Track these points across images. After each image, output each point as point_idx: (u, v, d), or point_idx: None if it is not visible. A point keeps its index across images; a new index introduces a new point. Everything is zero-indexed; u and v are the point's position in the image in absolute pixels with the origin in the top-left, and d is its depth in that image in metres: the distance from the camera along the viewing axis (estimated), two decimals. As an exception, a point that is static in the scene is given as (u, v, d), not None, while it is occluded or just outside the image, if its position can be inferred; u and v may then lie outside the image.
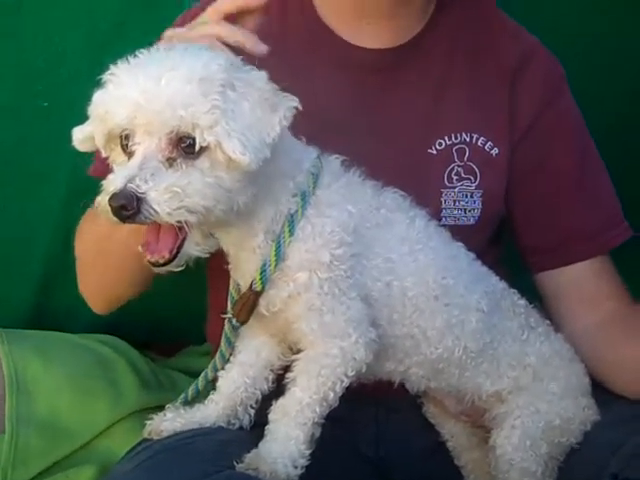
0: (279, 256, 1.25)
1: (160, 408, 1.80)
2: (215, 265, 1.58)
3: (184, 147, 1.14)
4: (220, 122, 1.13)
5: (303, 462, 1.24)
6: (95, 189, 1.81)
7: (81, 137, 1.24)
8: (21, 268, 2.00)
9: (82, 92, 1.79)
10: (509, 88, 1.53)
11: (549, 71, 1.56)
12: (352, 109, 1.47)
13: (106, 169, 1.52)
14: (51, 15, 1.84)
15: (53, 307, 2.05)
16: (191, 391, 1.46)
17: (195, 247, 1.19)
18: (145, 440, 1.39)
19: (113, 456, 1.72)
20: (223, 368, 1.41)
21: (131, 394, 1.83)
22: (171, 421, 1.37)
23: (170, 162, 1.14)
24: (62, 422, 1.73)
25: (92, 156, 1.84)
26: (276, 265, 1.25)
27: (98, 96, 1.20)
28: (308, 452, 1.25)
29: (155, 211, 1.12)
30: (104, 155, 1.24)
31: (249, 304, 1.29)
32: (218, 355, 1.43)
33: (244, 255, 1.28)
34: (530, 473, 1.33)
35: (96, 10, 1.85)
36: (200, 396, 1.45)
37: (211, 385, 1.44)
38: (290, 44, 1.49)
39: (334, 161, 1.31)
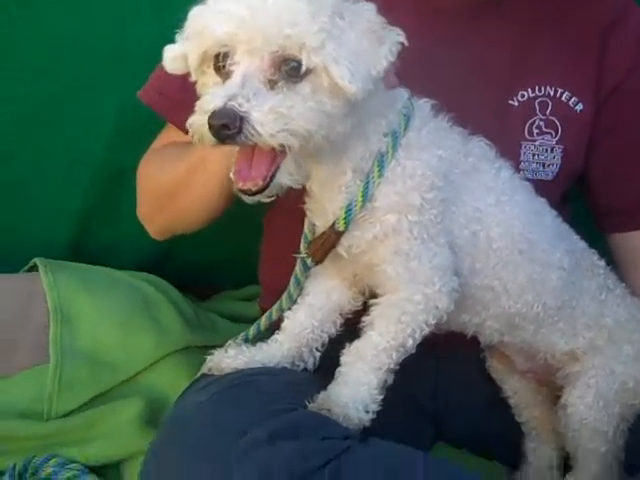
0: (366, 196, 1.20)
1: (204, 348, 1.83)
2: (276, 207, 1.56)
3: (287, 69, 1.09)
4: (328, 45, 1.08)
5: (375, 407, 1.22)
6: (141, 129, 1.82)
7: (172, 55, 1.18)
8: (63, 204, 1.96)
9: (137, 30, 1.81)
10: (599, 45, 1.48)
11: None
12: (433, 56, 1.42)
13: (157, 97, 1.50)
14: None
15: (93, 244, 2.02)
16: (252, 330, 1.43)
17: (288, 176, 1.13)
18: (205, 375, 1.36)
19: (158, 392, 1.71)
20: (289, 309, 1.38)
21: (175, 332, 1.80)
22: (233, 358, 1.34)
23: (271, 84, 1.09)
24: (106, 355, 1.71)
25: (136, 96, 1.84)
26: (362, 205, 1.21)
27: (196, 11, 1.14)
28: (380, 397, 1.23)
29: (257, 132, 1.06)
30: (194, 78, 1.18)
31: (328, 244, 1.25)
32: (285, 296, 1.39)
33: (328, 194, 1.24)
34: (601, 433, 1.32)
35: None
36: (260, 336, 1.43)
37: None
38: None
39: (424, 105, 1.27)
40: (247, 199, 1.14)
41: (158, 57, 1.72)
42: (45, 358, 1.67)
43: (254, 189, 1.12)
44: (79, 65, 1.83)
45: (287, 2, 1.08)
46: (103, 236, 2.02)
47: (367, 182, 1.20)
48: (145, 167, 1.56)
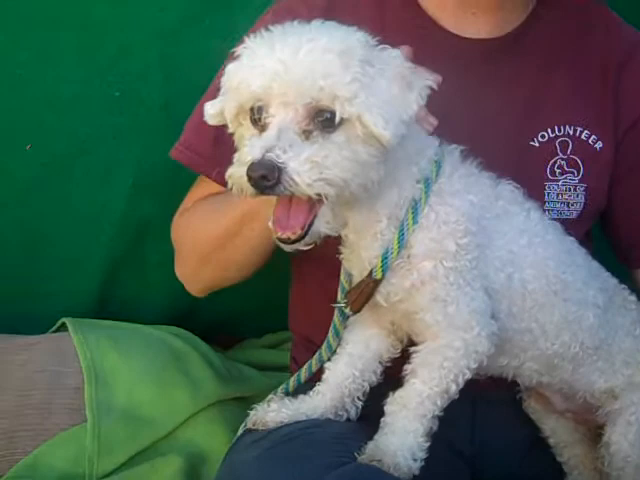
0: (402, 243, 1.23)
1: (236, 399, 1.85)
2: (306, 256, 1.58)
3: (321, 120, 1.12)
4: (360, 95, 1.11)
5: (422, 455, 1.23)
6: (162, 181, 1.85)
7: (212, 112, 1.22)
8: (87, 260, 1.98)
9: (152, 83, 1.85)
10: (614, 82, 1.51)
11: None
12: (455, 100, 1.44)
13: (191, 155, 1.53)
14: (122, 5, 1.82)
15: (118, 298, 2.03)
16: (292, 382, 1.44)
17: (326, 225, 1.16)
18: (250, 431, 1.37)
19: (196, 447, 1.72)
20: (329, 359, 1.39)
21: (208, 385, 1.80)
22: (277, 412, 1.35)
23: (306, 135, 1.12)
24: (143, 412, 1.71)
25: (160, 149, 1.87)
26: (398, 252, 1.23)
27: (232, 67, 1.18)
28: (427, 445, 1.24)
29: (295, 182, 1.09)
30: (231, 130, 1.21)
31: (366, 293, 1.27)
32: (325, 346, 1.41)
33: (364, 241, 1.26)
34: (646, 470, 1.33)
35: (167, 2, 1.83)
36: (301, 387, 1.44)
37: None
38: (389, 32, 1.44)
39: (454, 150, 1.30)
40: (286, 247, 1.17)
41: (172, 110, 1.83)
42: (81, 419, 1.67)
43: (293, 238, 1.15)
44: (97, 119, 1.86)
45: (319, 55, 1.12)
46: (128, 290, 2.03)
47: (402, 229, 1.23)
48: (182, 224, 1.58)
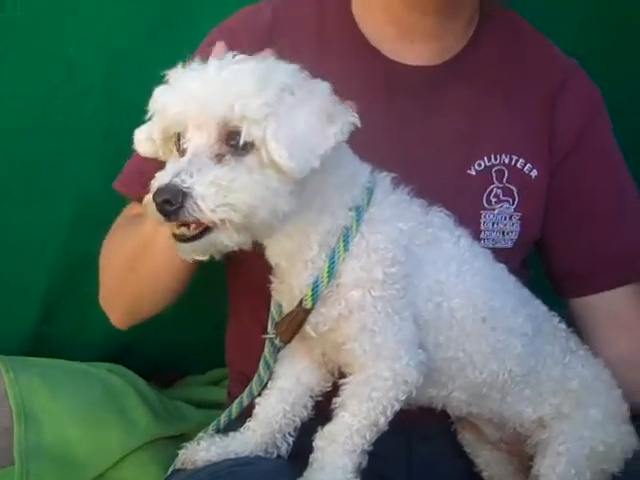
0: (332, 272, 1.22)
1: (172, 438, 1.81)
2: (240, 287, 1.57)
3: (234, 143, 1.12)
4: (269, 120, 1.11)
5: None
6: (103, 211, 1.82)
7: (141, 137, 1.21)
8: (23, 293, 1.94)
9: (95, 105, 1.83)
10: (549, 111, 1.53)
11: (588, 94, 1.57)
12: (393, 126, 1.47)
13: (131, 184, 1.52)
14: (66, 28, 1.81)
15: (54, 335, 1.99)
16: (223, 418, 1.41)
17: (224, 237, 1.12)
18: (178, 471, 1.34)
19: (128, 488, 1.67)
20: (260, 394, 1.37)
21: (143, 425, 1.77)
22: (206, 451, 1.32)
23: (219, 158, 1.12)
24: (73, 453, 1.67)
25: (102, 177, 1.84)
26: (328, 282, 1.22)
27: (157, 91, 1.18)
28: None
29: (199, 207, 1.08)
30: (162, 159, 1.20)
31: (296, 322, 1.25)
32: (255, 380, 1.39)
33: (294, 269, 1.25)
34: (575, 502, 1.31)
35: (112, 24, 1.83)
36: (232, 424, 1.41)
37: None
38: (329, 57, 1.48)
39: (385, 178, 1.30)
40: (182, 248, 1.14)
41: (115, 136, 1.80)
42: (10, 460, 1.63)
43: (187, 234, 1.12)
44: (37, 148, 1.84)
45: (235, 75, 1.12)
46: (66, 325, 1.99)
47: (332, 257, 1.22)
48: (104, 247, 1.56)
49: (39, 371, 1.79)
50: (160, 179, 1.11)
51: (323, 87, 1.18)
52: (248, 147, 1.12)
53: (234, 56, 1.17)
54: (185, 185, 1.08)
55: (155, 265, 1.43)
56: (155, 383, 2.08)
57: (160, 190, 1.09)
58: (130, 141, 1.53)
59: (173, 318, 1.98)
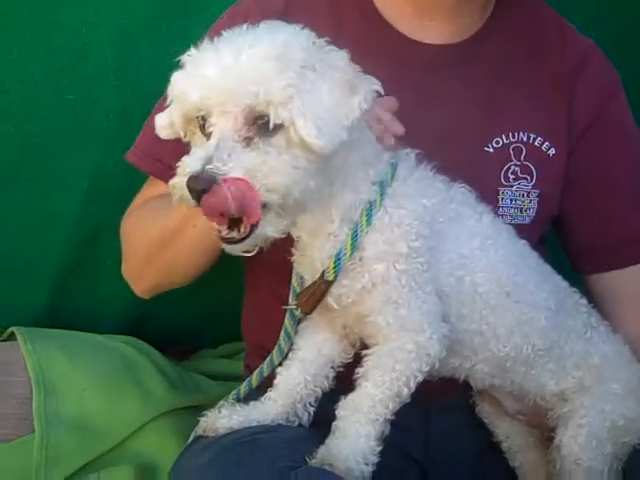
0: (355, 245, 1.22)
1: (189, 409, 1.82)
2: (259, 261, 1.56)
3: (260, 125, 1.12)
4: (295, 100, 1.10)
5: (374, 459, 1.22)
6: (115, 186, 1.82)
7: (162, 124, 1.21)
8: (37, 268, 1.94)
9: (107, 87, 1.83)
10: (567, 90, 1.53)
11: (606, 75, 1.57)
12: (412, 104, 1.44)
13: (151, 161, 1.52)
14: (79, 8, 1.80)
15: (70, 307, 2.00)
16: (244, 388, 1.42)
17: (270, 228, 1.15)
18: (200, 437, 1.35)
19: (147, 456, 1.68)
20: (281, 364, 1.38)
21: (160, 395, 1.77)
22: (227, 418, 1.33)
23: (247, 141, 1.12)
24: (92, 422, 1.67)
25: (114, 154, 1.84)
26: (351, 254, 1.22)
27: (175, 77, 1.18)
28: (379, 449, 1.23)
29: None
30: (185, 140, 1.20)
31: (318, 294, 1.26)
32: (276, 350, 1.39)
33: (316, 242, 1.25)
34: (596, 472, 1.33)
35: (126, 6, 1.82)
36: (252, 393, 1.42)
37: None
38: (345, 38, 1.45)
39: (409, 154, 1.30)
40: (230, 249, 1.16)
41: (127, 115, 1.80)
42: (29, 429, 1.64)
43: (237, 237, 1.13)
44: (52, 123, 1.84)
45: (255, 61, 1.11)
46: (80, 298, 2.00)
47: (356, 231, 1.22)
48: (131, 222, 1.56)
49: (57, 342, 1.79)
50: (190, 164, 1.10)
51: (341, 57, 1.17)
52: (275, 128, 1.12)
53: (248, 31, 1.17)
54: (220, 173, 1.08)
55: (186, 249, 1.44)
56: (171, 355, 2.09)
57: (194, 178, 1.09)
58: (141, 119, 1.56)
59: (186, 292, 1.99)
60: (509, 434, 1.48)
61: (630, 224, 1.56)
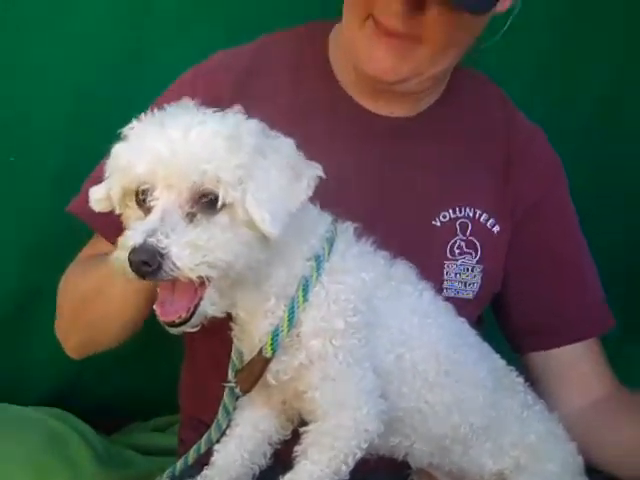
0: (292, 321, 1.22)
1: (118, 486, 1.76)
2: (196, 334, 1.54)
3: (205, 202, 1.13)
4: (248, 184, 1.12)
5: None
6: (53, 249, 1.78)
7: (97, 197, 1.22)
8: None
9: (51, 150, 1.81)
10: (513, 169, 1.56)
11: (549, 158, 1.62)
12: (363, 173, 1.48)
13: (92, 212, 1.49)
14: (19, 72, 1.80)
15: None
16: (180, 465, 1.38)
17: (211, 306, 1.16)
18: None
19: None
20: (218, 441, 1.35)
21: (89, 471, 1.73)
22: None
23: (190, 217, 1.13)
24: (20, 501, 1.61)
25: (51, 213, 1.81)
26: (289, 331, 1.22)
27: (118, 148, 1.18)
28: None
29: (177, 267, 1.09)
30: (118, 212, 1.20)
31: (256, 371, 1.25)
32: (214, 426, 1.36)
33: (255, 319, 1.25)
34: None
35: (74, 60, 1.82)
36: (188, 470, 1.38)
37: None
38: (305, 104, 1.50)
39: (348, 228, 1.31)
40: (172, 330, 1.16)
41: (69, 182, 1.78)
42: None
43: (177, 321, 1.14)
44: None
45: (204, 139, 1.12)
46: (8, 366, 1.94)
47: (292, 307, 1.22)
48: (67, 276, 1.54)
49: (-20, 415, 1.73)
50: (132, 237, 1.11)
51: (288, 143, 1.20)
52: (219, 206, 1.13)
53: (195, 108, 1.19)
54: (161, 246, 1.09)
55: (108, 308, 1.44)
56: (99, 428, 2.03)
57: (136, 250, 1.09)
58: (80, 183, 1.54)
59: (117, 361, 1.96)
60: (446, 513, 1.47)
61: (570, 305, 1.59)
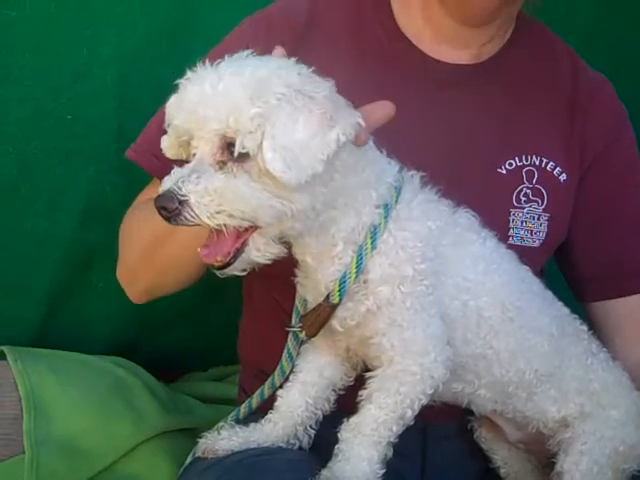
0: (360, 268, 1.22)
1: (181, 431, 1.80)
2: (259, 281, 1.56)
3: (233, 151, 1.12)
4: (263, 131, 1.10)
5: None
6: (110, 207, 1.81)
7: (165, 145, 1.22)
8: (30, 286, 1.92)
9: (106, 107, 1.83)
10: (579, 119, 1.54)
11: (615, 106, 1.60)
12: (428, 122, 1.47)
13: (143, 154, 1.52)
14: (80, 28, 1.80)
15: (60, 327, 1.97)
16: (244, 409, 1.41)
17: (256, 253, 1.16)
18: (199, 459, 1.33)
19: (138, 479, 1.66)
20: (282, 386, 1.37)
21: (151, 417, 1.75)
22: (227, 440, 1.32)
23: (221, 165, 1.13)
24: (82, 444, 1.65)
25: (110, 175, 1.84)
26: (356, 277, 1.22)
27: (170, 101, 1.19)
28: (382, 472, 1.22)
29: (195, 214, 1.11)
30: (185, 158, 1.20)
31: (322, 317, 1.25)
32: (278, 371, 1.38)
33: (321, 265, 1.25)
34: (596, 499, 1.32)
35: (125, 26, 1.82)
36: (252, 414, 1.41)
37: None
38: (366, 53, 1.49)
39: (414, 177, 1.30)
40: (217, 273, 1.17)
41: (124, 136, 1.79)
42: (19, 449, 1.61)
43: (217, 265, 1.15)
44: (50, 143, 1.83)
45: (229, 89, 1.12)
46: (72, 319, 1.98)
47: (360, 254, 1.22)
48: (127, 222, 1.56)
49: (47, 361, 1.77)
50: (164, 183, 1.13)
51: (325, 87, 1.16)
52: (246, 155, 1.12)
53: (248, 56, 1.18)
54: (182, 193, 1.11)
55: (177, 251, 1.43)
56: (159, 378, 2.07)
57: (159, 196, 1.12)
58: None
59: (176, 314, 2.00)
60: (507, 460, 1.47)
61: (635, 254, 1.58)
